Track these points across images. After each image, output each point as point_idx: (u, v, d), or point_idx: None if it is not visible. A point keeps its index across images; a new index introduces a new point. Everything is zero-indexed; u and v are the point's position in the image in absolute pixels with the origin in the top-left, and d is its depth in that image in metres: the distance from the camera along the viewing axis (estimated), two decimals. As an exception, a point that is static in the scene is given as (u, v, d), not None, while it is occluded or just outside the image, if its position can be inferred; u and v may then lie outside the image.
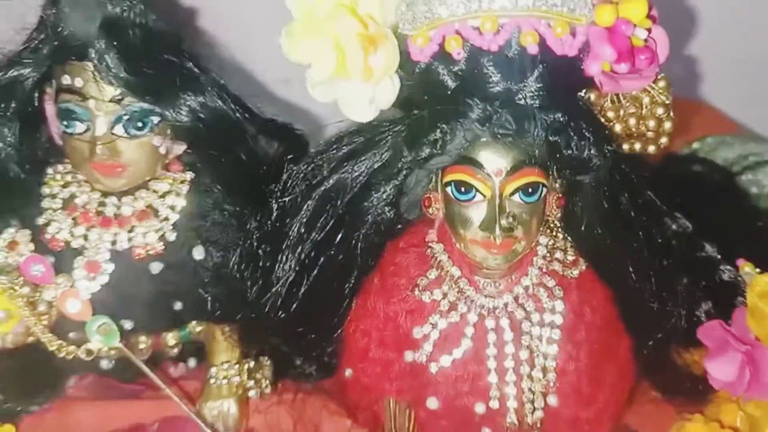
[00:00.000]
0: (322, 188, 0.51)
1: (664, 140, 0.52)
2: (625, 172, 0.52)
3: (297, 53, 0.48)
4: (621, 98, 0.50)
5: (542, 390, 0.51)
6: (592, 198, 0.50)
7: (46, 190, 0.58)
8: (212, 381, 0.62)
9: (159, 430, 0.63)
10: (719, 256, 0.60)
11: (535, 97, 0.46)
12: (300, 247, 0.52)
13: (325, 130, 0.58)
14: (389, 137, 0.49)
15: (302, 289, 0.53)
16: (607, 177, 0.50)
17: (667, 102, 0.50)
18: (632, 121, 0.50)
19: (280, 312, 0.54)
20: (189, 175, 0.59)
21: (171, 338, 0.65)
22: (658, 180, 0.60)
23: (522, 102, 0.45)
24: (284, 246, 0.52)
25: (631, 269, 0.53)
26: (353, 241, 0.53)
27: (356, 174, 0.50)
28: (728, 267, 0.59)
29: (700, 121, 0.98)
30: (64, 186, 0.58)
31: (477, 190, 0.48)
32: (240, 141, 0.57)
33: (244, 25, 0.73)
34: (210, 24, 0.71)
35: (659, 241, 0.54)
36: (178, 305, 0.61)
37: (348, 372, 0.60)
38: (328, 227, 0.52)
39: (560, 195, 0.51)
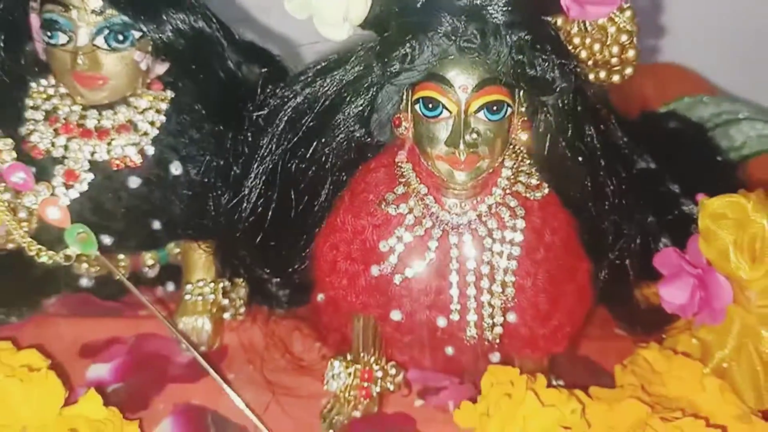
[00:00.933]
0: (294, 102, 0.53)
1: (628, 70, 0.54)
2: (590, 99, 0.53)
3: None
4: (587, 26, 0.52)
5: (501, 305, 0.53)
6: (556, 121, 0.52)
7: (29, 102, 0.60)
8: (187, 297, 0.64)
9: (135, 344, 0.65)
10: (680, 192, 0.62)
11: (502, 14, 0.47)
12: (269, 159, 0.54)
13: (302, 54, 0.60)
14: (360, 53, 0.51)
15: (272, 203, 0.55)
16: (571, 101, 0.51)
17: (632, 30, 0.52)
18: (597, 47, 0.52)
19: (252, 226, 0.56)
20: (169, 94, 0.61)
21: (149, 258, 0.67)
22: (635, 135, 0.62)
23: (489, 18, 0.47)
24: (254, 159, 0.54)
25: (592, 195, 0.55)
26: (324, 156, 0.54)
27: (326, 88, 0.52)
28: (688, 201, 0.61)
29: (679, 83, 1.01)
30: (47, 99, 0.60)
31: (444, 107, 0.50)
32: (220, 61, 0.59)
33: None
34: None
35: (621, 170, 0.56)
36: (156, 224, 0.63)
37: (320, 296, 0.62)
38: (297, 140, 0.53)
39: (526, 118, 0.53)
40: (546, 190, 0.55)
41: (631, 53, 0.52)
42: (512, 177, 0.54)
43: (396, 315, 0.55)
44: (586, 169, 0.54)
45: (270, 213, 0.55)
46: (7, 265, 0.62)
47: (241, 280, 0.66)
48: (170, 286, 0.71)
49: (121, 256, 0.66)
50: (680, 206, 0.61)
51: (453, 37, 0.47)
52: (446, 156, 0.51)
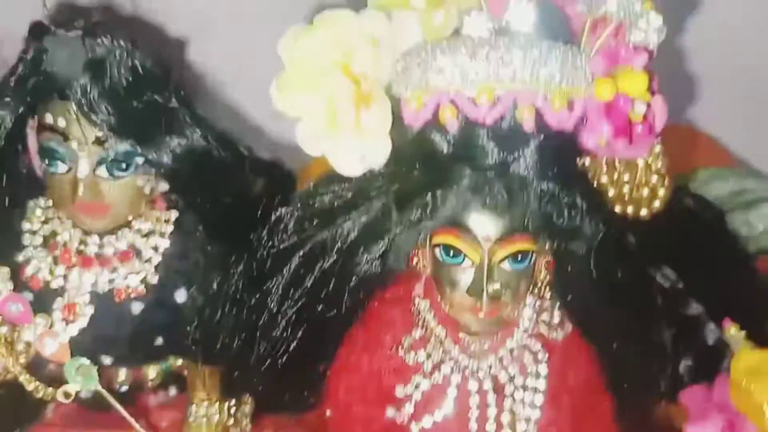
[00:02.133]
0: (310, 243, 0.50)
1: (657, 204, 0.52)
2: (616, 237, 0.51)
3: (287, 105, 0.47)
4: (615, 163, 0.50)
5: (523, 453, 0.51)
6: (581, 262, 0.50)
7: (26, 225, 0.57)
8: (191, 419, 0.62)
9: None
10: (705, 314, 0.59)
11: (529, 169, 0.45)
12: (286, 303, 0.51)
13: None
14: (380, 195, 0.48)
15: (288, 343, 0.52)
16: (598, 244, 0.49)
17: (662, 170, 0.49)
18: (626, 189, 0.49)
19: (265, 363, 0.54)
20: (173, 214, 0.58)
21: (152, 371, 0.65)
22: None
23: (516, 173, 0.45)
24: (269, 301, 0.52)
25: (617, 331, 0.53)
26: (340, 296, 0.52)
27: (345, 231, 0.49)
28: (713, 327, 0.59)
29: (693, 149, 0.97)
30: (45, 222, 0.57)
31: (466, 255, 0.48)
32: (224, 183, 0.56)
33: (235, 59, 0.72)
34: (199, 57, 0.69)
35: (646, 301, 0.54)
36: (159, 341, 0.61)
37: (328, 412, 0.60)
38: (314, 283, 0.51)
39: (549, 258, 0.50)
40: (569, 328, 0.53)
41: (661, 192, 0.50)
42: (534, 316, 0.52)
43: (413, 460, 0.52)
44: (611, 305, 0.52)
45: (285, 348, 0.53)
46: (7, 387, 0.60)
47: (247, 396, 0.63)
48: (172, 390, 0.69)
49: (122, 371, 0.63)
50: (705, 332, 0.58)
51: (479, 194, 0.45)
52: (467, 305, 0.48)
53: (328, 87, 0.46)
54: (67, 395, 0.55)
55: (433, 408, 0.51)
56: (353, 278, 0.51)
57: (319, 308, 0.52)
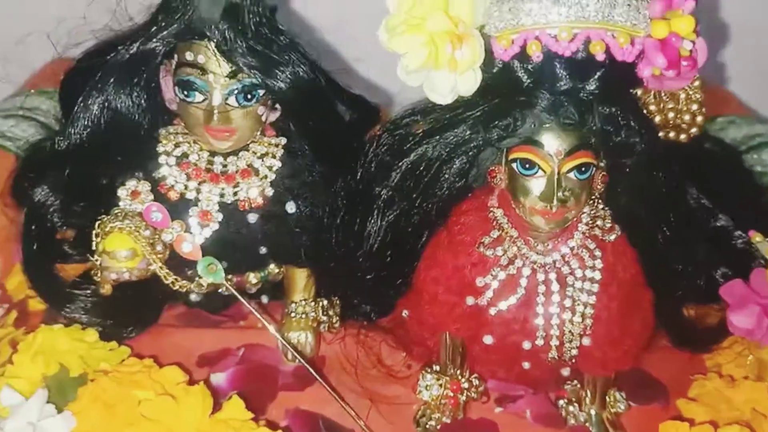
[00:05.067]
0: (409, 159, 0.61)
1: (694, 130, 0.62)
2: (661, 156, 0.62)
3: (394, 44, 0.57)
4: (662, 94, 0.60)
5: (580, 332, 0.62)
6: (631, 176, 0.60)
7: (160, 148, 0.67)
8: (292, 315, 0.73)
9: (245, 354, 0.74)
10: (733, 225, 0.70)
11: (595, 93, 0.55)
12: (388, 210, 0.62)
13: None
14: (468, 119, 0.59)
15: (387, 247, 0.63)
16: (646, 160, 0.60)
17: (700, 99, 0.60)
18: (671, 115, 0.60)
19: (366, 264, 0.64)
20: (282, 140, 0.68)
21: (253, 277, 0.75)
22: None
23: (584, 97, 0.55)
24: (374, 207, 0.62)
25: (659, 236, 0.63)
26: (430, 206, 0.63)
27: (439, 150, 0.60)
28: (741, 235, 0.70)
29: (714, 102, 1.07)
30: (177, 145, 0.68)
31: (539, 167, 0.58)
32: (328, 109, 0.66)
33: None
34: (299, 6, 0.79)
35: (683, 211, 0.65)
36: (263, 250, 0.71)
37: (405, 312, 0.71)
38: (412, 194, 0.62)
39: (604, 173, 0.61)
40: (618, 232, 0.63)
41: (699, 119, 0.60)
42: (590, 222, 0.63)
43: (488, 339, 0.64)
44: (654, 214, 0.63)
45: (383, 253, 0.64)
46: (130, 289, 0.69)
47: (336, 298, 0.74)
48: (264, 299, 0.79)
49: (230, 276, 0.74)
50: (734, 240, 0.69)
51: (554, 114, 0.55)
52: (540, 209, 0.59)
53: (430, 27, 0.56)
54: (199, 286, 0.66)
55: (508, 295, 0.62)
56: (442, 191, 0.62)
57: (413, 217, 0.63)
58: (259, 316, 0.66)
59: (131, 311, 0.73)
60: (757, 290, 0.63)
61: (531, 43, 0.53)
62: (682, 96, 0.60)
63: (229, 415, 0.60)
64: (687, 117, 0.60)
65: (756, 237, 0.67)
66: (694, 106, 0.60)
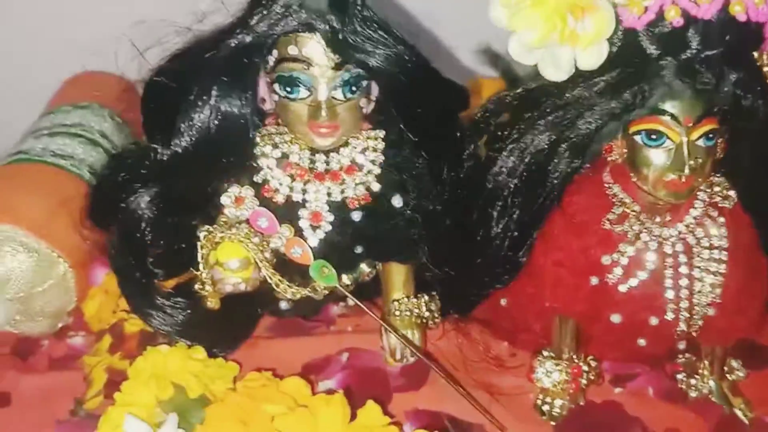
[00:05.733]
0: (528, 148, 0.60)
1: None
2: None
3: (515, 21, 0.56)
4: (775, 58, 0.60)
5: (708, 302, 0.62)
6: (751, 141, 0.60)
7: (258, 150, 0.64)
8: (396, 313, 0.70)
9: (349, 360, 0.71)
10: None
11: (726, 57, 0.55)
12: (514, 199, 0.61)
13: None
14: (593, 95, 0.57)
15: (508, 230, 0.62)
16: (764, 123, 0.59)
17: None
18: (784, 76, 0.59)
19: (482, 254, 0.63)
20: (381, 132, 0.66)
21: (346, 279, 0.73)
22: None
23: (718, 63, 0.54)
24: (495, 197, 0.61)
25: None
26: (550, 189, 0.61)
27: (558, 130, 0.59)
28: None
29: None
30: (274, 146, 0.65)
31: (667, 137, 0.57)
32: (431, 93, 0.63)
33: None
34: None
35: None
36: (359, 249, 0.68)
37: (503, 300, 0.70)
38: (533, 180, 0.60)
39: (724, 139, 0.60)
40: (735, 199, 0.63)
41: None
42: (709, 189, 0.62)
43: (616, 318, 0.63)
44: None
45: (502, 241, 0.62)
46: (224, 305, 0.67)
47: (435, 293, 0.72)
48: (350, 301, 0.77)
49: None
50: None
51: (691, 80, 0.55)
52: (668, 179, 0.58)
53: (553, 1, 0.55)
54: (314, 290, 0.63)
55: (637, 270, 0.61)
56: (559, 168, 0.61)
57: (535, 202, 0.61)
58: (375, 317, 0.63)
59: (226, 326, 0.69)
60: None
61: (670, 7, 0.52)
62: (791, 58, 0.60)
63: (367, 421, 0.58)
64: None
65: None
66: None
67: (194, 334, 0.67)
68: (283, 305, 0.73)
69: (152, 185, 0.61)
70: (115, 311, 0.71)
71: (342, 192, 0.64)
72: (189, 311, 0.66)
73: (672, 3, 0.52)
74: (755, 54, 0.59)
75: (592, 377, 0.67)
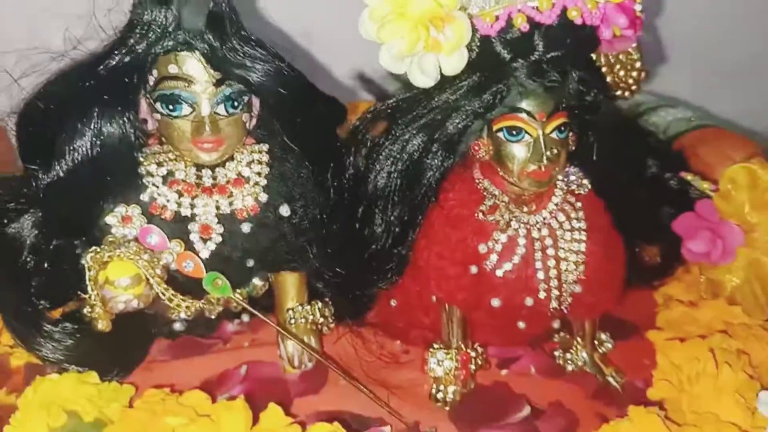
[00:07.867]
0: (405, 150, 0.64)
1: (635, 88, 0.71)
2: (613, 112, 0.70)
3: (384, 34, 0.60)
4: (609, 57, 0.68)
5: (574, 279, 0.68)
6: (596, 132, 0.68)
7: (143, 170, 0.65)
8: (291, 322, 0.72)
9: (247, 373, 0.72)
10: (661, 169, 0.80)
11: (569, 57, 0.62)
12: (394, 198, 0.65)
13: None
14: (458, 97, 0.63)
15: (389, 228, 0.66)
16: (606, 117, 0.67)
17: (641, 59, 0.69)
18: (621, 74, 0.68)
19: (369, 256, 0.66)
20: (264, 146, 0.68)
21: (239, 295, 0.74)
22: None
23: (562, 63, 0.62)
24: (376, 199, 0.66)
25: (619, 184, 0.71)
26: (425, 189, 0.66)
27: (429, 132, 0.64)
28: (671, 176, 0.79)
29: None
30: (159, 165, 0.65)
31: (525, 132, 0.64)
32: (311, 106, 0.66)
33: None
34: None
35: (635, 161, 0.73)
36: (250, 263, 0.70)
37: (392, 302, 0.74)
38: (406, 184, 0.65)
39: (575, 132, 0.68)
40: (588, 186, 0.70)
41: (642, 75, 0.69)
42: (566, 179, 0.69)
43: (496, 302, 0.68)
44: (616, 165, 0.71)
45: (387, 237, 0.66)
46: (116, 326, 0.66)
47: (328, 299, 0.75)
48: (245, 317, 0.78)
49: (216, 296, 0.72)
50: (669, 182, 0.79)
51: (538, 78, 0.61)
52: (530, 170, 0.64)
53: (416, 13, 0.60)
54: (209, 302, 0.64)
55: (510, 255, 0.67)
56: (433, 167, 0.66)
57: (414, 201, 0.66)
58: (270, 323, 0.65)
59: (119, 349, 0.69)
60: (705, 217, 0.73)
61: (516, 15, 0.59)
62: (625, 58, 0.69)
63: (270, 424, 0.59)
64: (635, 74, 0.68)
65: (687, 176, 0.76)
66: (638, 64, 0.68)
67: (86, 360, 0.66)
68: (178, 326, 0.73)
69: (34, 211, 0.60)
70: (-4, 345, 0.69)
71: (231, 204, 0.66)
72: (79, 336, 0.65)
73: (518, 11, 0.59)
74: (593, 56, 0.68)
75: (480, 362, 0.72)
